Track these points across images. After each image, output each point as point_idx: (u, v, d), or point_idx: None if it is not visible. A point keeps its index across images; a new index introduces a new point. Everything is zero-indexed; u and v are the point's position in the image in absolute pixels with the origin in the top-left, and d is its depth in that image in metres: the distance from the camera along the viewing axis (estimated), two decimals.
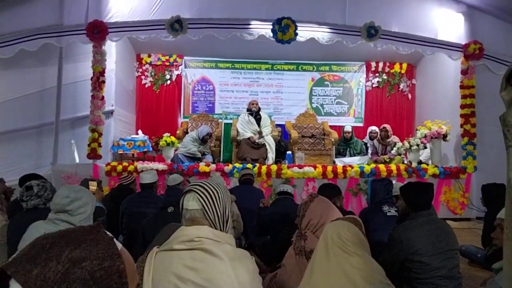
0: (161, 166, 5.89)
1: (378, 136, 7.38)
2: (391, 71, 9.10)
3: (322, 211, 2.24)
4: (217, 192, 1.50)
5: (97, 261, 0.74)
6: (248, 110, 7.18)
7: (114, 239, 0.80)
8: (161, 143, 6.46)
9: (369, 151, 7.44)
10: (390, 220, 3.19)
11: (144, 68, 8.87)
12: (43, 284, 0.70)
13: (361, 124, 9.03)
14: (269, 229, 3.68)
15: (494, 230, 2.40)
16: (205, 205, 1.47)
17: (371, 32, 6.11)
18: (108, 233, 0.81)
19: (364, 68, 9.16)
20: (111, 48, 6.79)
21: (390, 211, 3.29)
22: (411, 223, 2.53)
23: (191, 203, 1.48)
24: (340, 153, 7.36)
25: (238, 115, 7.69)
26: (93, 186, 3.66)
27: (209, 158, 6.67)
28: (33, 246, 0.75)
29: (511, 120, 1.15)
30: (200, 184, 1.53)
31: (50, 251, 0.73)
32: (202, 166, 5.89)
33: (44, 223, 2.15)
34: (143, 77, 8.89)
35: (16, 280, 0.70)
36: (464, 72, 6.50)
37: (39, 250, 0.73)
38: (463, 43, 6.45)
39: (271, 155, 6.65)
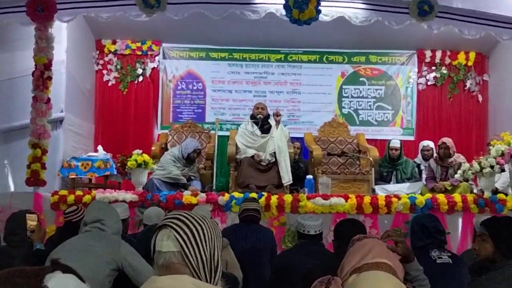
0: (129, 196, 5.88)
1: (436, 154, 7.33)
2: (454, 63, 9.14)
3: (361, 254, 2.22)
4: (202, 228, 1.51)
5: None
6: (253, 117, 7.20)
7: None
8: (129, 163, 6.45)
9: (423, 175, 7.38)
10: (442, 269, 3.17)
11: (106, 59, 8.98)
12: None
13: (411, 138, 9.02)
14: None
15: None
16: (185, 246, 1.47)
17: (424, 8, 6.14)
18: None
19: (415, 58, 9.20)
20: (61, 31, 6.88)
21: (441, 257, 3.28)
22: (499, 274, 2.38)
23: (165, 243, 1.48)
24: (383, 178, 7.31)
25: (239, 125, 7.73)
26: (32, 221, 3.65)
27: (196, 184, 6.65)
28: None
29: None
30: (178, 217, 1.53)
31: None
32: (187, 196, 5.88)
33: None
34: (105, 71, 8.99)
35: None
36: None
37: None
38: None
39: (285, 181, 6.62)
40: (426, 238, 3.42)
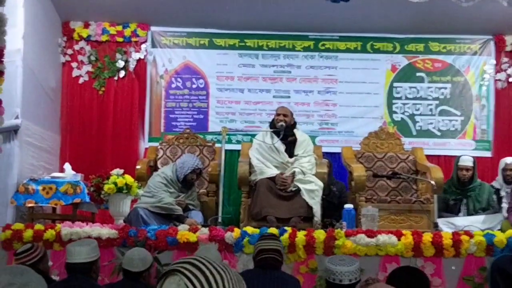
0: (106, 231, 5.86)
1: None
2: None
3: None
4: (223, 279, 1.50)
5: None
6: (272, 125, 7.20)
7: None
8: (106, 188, 6.45)
9: (504, 204, 7.31)
10: None
11: (77, 48, 9.03)
12: None
13: (488, 154, 8.99)
14: None
15: None
16: None
17: None
18: None
19: (491, 46, 9.18)
20: (16, 11, 6.94)
21: None
22: None
23: None
24: (449, 209, 7.26)
25: (253, 136, 7.73)
26: None
27: (196, 216, 6.63)
28: None
29: None
30: (192, 261, 1.53)
31: None
32: (183, 232, 5.83)
33: None
34: (75, 64, 9.04)
35: None
36: None
37: None
38: None
39: (316, 211, 6.60)
40: None
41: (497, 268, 3.58)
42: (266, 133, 7.21)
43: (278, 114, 7.23)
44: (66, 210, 7.39)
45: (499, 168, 7.76)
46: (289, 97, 9.06)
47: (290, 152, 7.06)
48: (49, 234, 5.81)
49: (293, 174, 6.84)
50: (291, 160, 7.02)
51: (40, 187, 7.02)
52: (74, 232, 5.80)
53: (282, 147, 7.06)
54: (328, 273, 3.98)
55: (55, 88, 8.79)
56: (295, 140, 7.14)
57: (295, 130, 7.23)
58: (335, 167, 8.16)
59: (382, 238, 5.82)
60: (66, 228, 5.90)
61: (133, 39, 9.06)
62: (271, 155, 7.03)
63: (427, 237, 5.85)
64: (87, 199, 7.15)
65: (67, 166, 7.56)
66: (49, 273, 4.54)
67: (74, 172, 7.35)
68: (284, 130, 7.07)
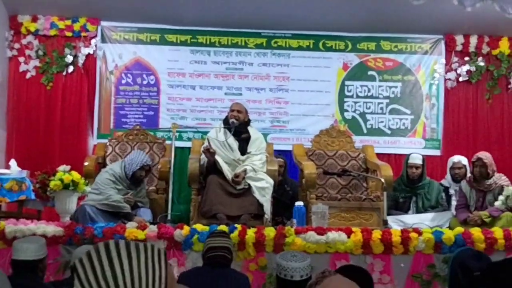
0: (51, 229, 5.77)
1: (470, 174, 7.36)
2: (494, 52, 9.24)
3: None
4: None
5: None
6: (226, 122, 7.20)
7: None
8: (52, 184, 6.39)
9: (453, 202, 7.43)
10: None
11: (24, 42, 8.92)
12: None
13: (437, 152, 9.10)
14: None
15: None
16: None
17: None
18: None
19: (442, 46, 9.29)
20: None
21: None
22: None
23: None
24: (398, 207, 7.32)
25: (204, 133, 7.76)
26: None
27: (145, 213, 6.60)
28: None
29: None
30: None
31: None
32: (131, 230, 5.79)
33: None
34: (22, 59, 8.93)
35: None
36: None
37: None
38: None
39: (266, 209, 6.61)
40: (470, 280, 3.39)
41: (458, 262, 3.60)
42: (219, 129, 7.18)
43: (232, 110, 7.21)
44: (11, 208, 7.26)
45: (448, 167, 7.89)
46: (241, 94, 9.06)
47: (242, 149, 7.05)
48: None
49: (245, 171, 6.84)
50: (243, 157, 7.00)
51: None
52: (19, 229, 5.70)
53: (235, 144, 7.04)
54: (279, 268, 3.97)
55: (1, 83, 8.67)
56: (248, 138, 7.13)
57: (249, 128, 7.23)
58: (288, 165, 8.16)
59: (332, 235, 5.83)
60: (10, 226, 5.79)
61: (83, 34, 8.96)
62: (223, 152, 6.99)
63: (377, 234, 5.88)
64: (33, 196, 7.04)
65: (13, 162, 7.42)
66: None
67: (19, 169, 7.22)
68: (238, 127, 7.08)
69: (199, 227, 5.89)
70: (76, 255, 4.55)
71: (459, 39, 9.20)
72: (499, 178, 7.19)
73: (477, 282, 3.39)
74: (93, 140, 8.92)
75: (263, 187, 6.72)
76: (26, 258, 4.05)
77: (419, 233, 5.98)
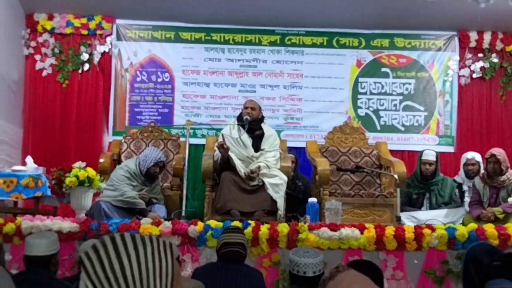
0: (67, 225, 5.80)
1: (483, 171, 7.34)
2: (508, 49, 9.21)
3: None
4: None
5: None
6: (240, 119, 7.21)
7: None
8: (68, 181, 6.41)
9: (466, 198, 7.41)
10: None
11: (40, 40, 8.95)
12: None
13: (451, 149, 9.09)
14: None
15: None
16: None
17: None
18: None
19: (456, 43, 9.27)
20: None
21: None
22: None
23: None
24: (412, 203, 7.31)
25: (218, 130, 7.75)
26: None
27: (159, 210, 6.63)
28: None
29: None
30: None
31: None
32: (146, 226, 5.79)
33: None
34: (38, 57, 8.96)
35: None
36: None
37: None
38: None
39: (280, 205, 6.62)
40: (484, 275, 3.39)
41: (471, 257, 3.59)
42: (233, 126, 7.19)
43: (245, 107, 7.23)
44: (28, 204, 7.32)
45: (461, 163, 7.85)
46: (254, 91, 9.07)
47: (256, 146, 7.06)
48: (9, 227, 5.73)
49: (258, 168, 6.86)
50: (257, 154, 7.01)
51: (0, 181, 6.94)
52: (35, 225, 5.73)
53: (248, 141, 7.05)
54: (292, 264, 3.98)
55: (17, 81, 8.70)
56: (262, 134, 7.14)
57: (262, 124, 7.23)
58: (300, 161, 8.17)
59: (345, 231, 5.82)
60: (26, 222, 5.82)
61: (98, 32, 9.00)
62: (237, 148, 7.02)
63: (390, 230, 5.87)
64: (49, 192, 7.07)
65: (29, 159, 7.46)
66: (6, 266, 4.48)
67: (36, 166, 7.26)
68: (252, 124, 7.09)
69: (213, 223, 5.91)
70: (82, 249, 4.58)
71: (473, 35, 9.17)
72: None
73: (493, 273, 3.38)
74: (108, 137, 8.96)
75: (276, 183, 6.74)
76: (38, 254, 4.04)
77: (433, 229, 5.96)
